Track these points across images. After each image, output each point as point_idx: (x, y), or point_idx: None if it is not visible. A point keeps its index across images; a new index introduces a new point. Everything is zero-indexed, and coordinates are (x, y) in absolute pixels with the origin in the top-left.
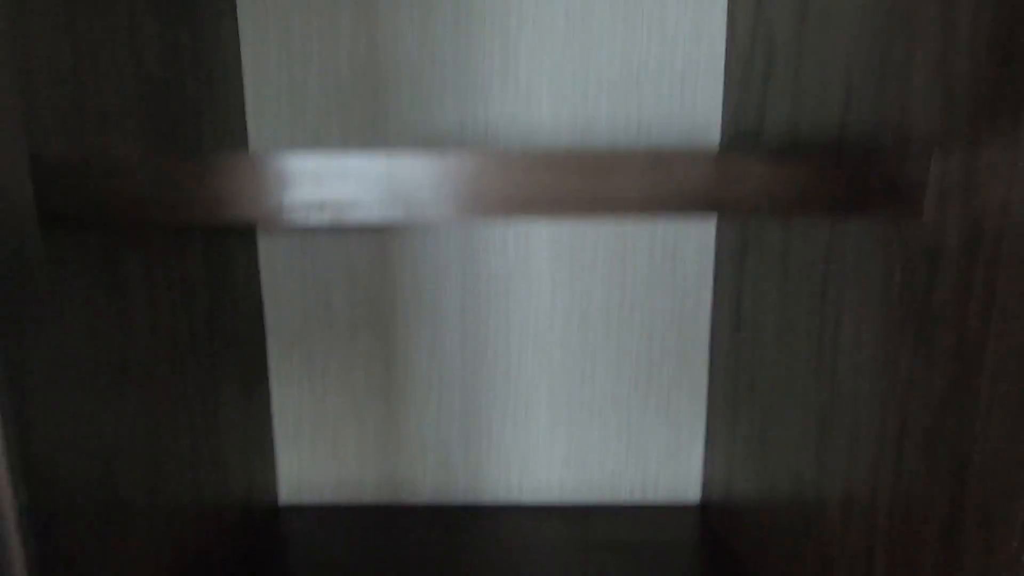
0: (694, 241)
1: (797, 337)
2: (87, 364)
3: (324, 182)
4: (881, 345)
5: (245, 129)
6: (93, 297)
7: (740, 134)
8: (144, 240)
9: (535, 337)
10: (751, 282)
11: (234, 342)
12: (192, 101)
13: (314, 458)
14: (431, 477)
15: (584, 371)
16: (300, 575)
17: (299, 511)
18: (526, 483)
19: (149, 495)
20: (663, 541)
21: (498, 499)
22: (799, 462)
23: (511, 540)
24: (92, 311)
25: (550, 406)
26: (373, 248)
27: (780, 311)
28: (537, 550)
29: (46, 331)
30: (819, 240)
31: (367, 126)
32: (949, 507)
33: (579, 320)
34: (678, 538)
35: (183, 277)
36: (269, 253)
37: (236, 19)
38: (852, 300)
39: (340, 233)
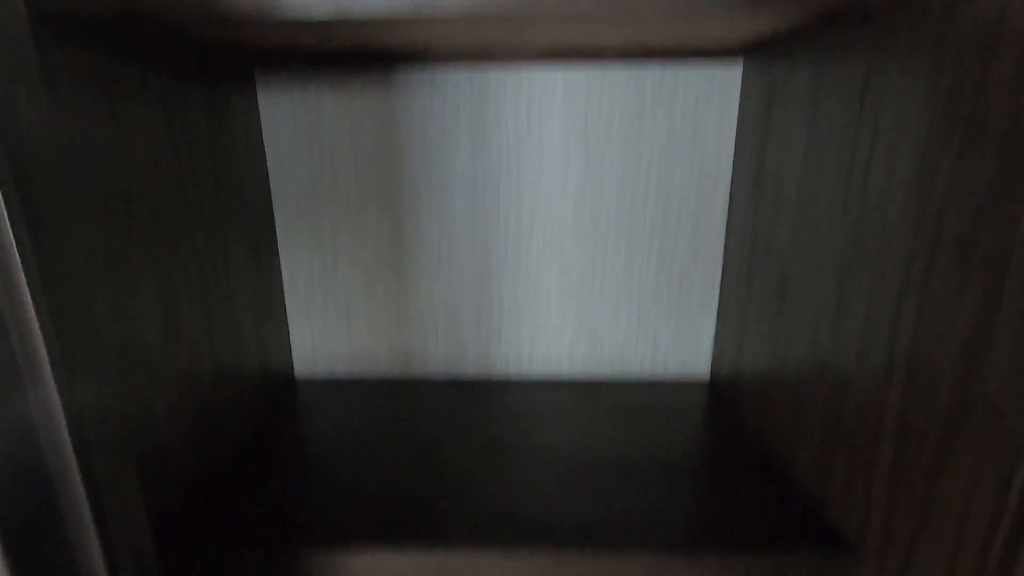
0: (716, 102)
1: (823, 182)
2: (92, 196)
3: None
4: (918, 160)
5: None
6: (92, 125)
7: None
8: (141, 73)
9: (547, 208)
10: (776, 131)
11: (240, 205)
12: None
13: (327, 331)
14: (443, 350)
15: (596, 243)
16: (316, 444)
17: (314, 383)
18: (536, 356)
19: (166, 354)
20: (670, 409)
21: (508, 372)
22: (815, 319)
23: (521, 409)
24: (91, 140)
25: (561, 278)
26: (379, 111)
27: (806, 157)
28: (546, 417)
29: (46, 155)
30: (856, 71)
31: None
32: (975, 335)
33: (592, 190)
34: (685, 407)
35: (183, 122)
36: (271, 115)
37: None
38: (888, 125)
39: (344, 93)
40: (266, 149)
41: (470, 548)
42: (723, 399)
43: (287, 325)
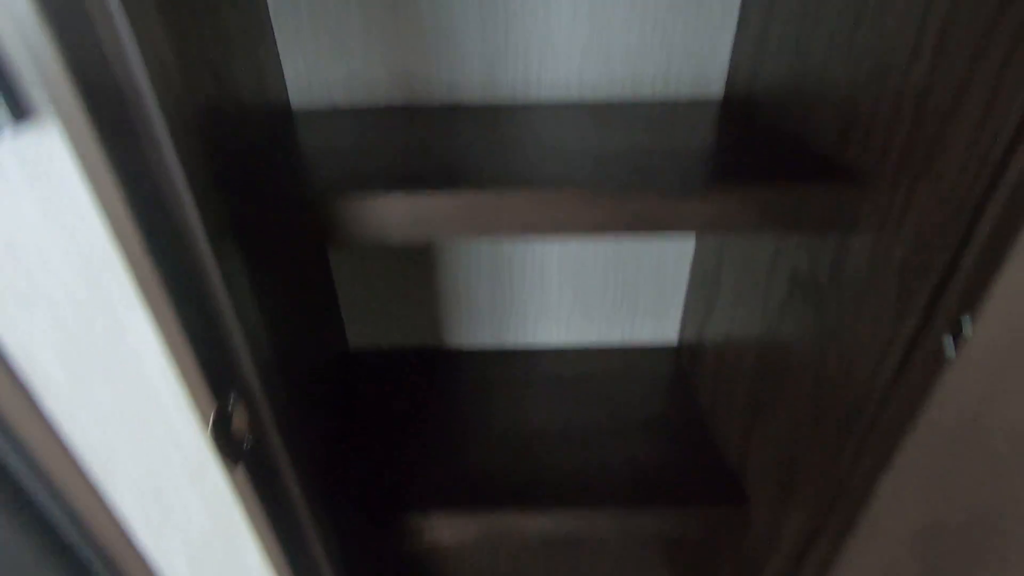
0: None
1: None
2: None
3: None
4: None
5: None
6: None
7: None
8: None
9: None
10: None
11: None
12: None
13: (319, 55)
14: (445, 73)
15: None
16: (328, 153)
17: (313, 114)
18: (544, 77)
19: (159, 77)
20: (685, 122)
21: (515, 95)
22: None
23: (531, 126)
24: None
25: None
26: None
27: None
28: (557, 131)
29: None
30: None
31: None
32: None
33: None
34: (700, 120)
35: None
36: None
37: None
38: None
39: None
40: None
41: (495, 189)
42: (738, 113)
43: (276, 49)
